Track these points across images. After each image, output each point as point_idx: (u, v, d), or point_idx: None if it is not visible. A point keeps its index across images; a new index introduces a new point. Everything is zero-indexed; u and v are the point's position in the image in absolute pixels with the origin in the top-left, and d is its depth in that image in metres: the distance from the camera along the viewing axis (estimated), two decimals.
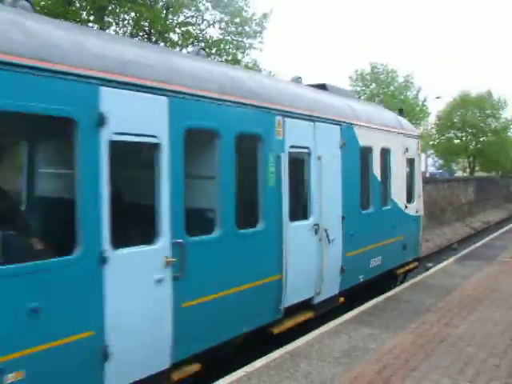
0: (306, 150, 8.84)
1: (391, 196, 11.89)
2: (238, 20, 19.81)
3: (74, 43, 5.31)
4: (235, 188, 7.16)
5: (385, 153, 11.61)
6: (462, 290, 11.78)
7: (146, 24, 17.98)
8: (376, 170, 11.18)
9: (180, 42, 19.31)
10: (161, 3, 18.35)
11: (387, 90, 42.98)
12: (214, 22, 19.86)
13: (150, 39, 18.82)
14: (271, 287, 7.96)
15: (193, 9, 19.06)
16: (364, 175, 10.71)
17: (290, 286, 8.25)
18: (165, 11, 18.40)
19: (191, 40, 19.46)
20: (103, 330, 5.26)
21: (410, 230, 12.98)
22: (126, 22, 18.60)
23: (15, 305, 4.46)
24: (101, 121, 5.17)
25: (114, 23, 18.38)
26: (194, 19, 19.64)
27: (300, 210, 8.82)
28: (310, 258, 8.86)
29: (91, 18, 17.30)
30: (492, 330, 8.99)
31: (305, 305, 8.93)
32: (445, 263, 15.36)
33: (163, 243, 6.00)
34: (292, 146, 8.34)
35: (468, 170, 62.44)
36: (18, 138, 7.49)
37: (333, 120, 9.55)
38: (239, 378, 6.92)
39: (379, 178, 11.30)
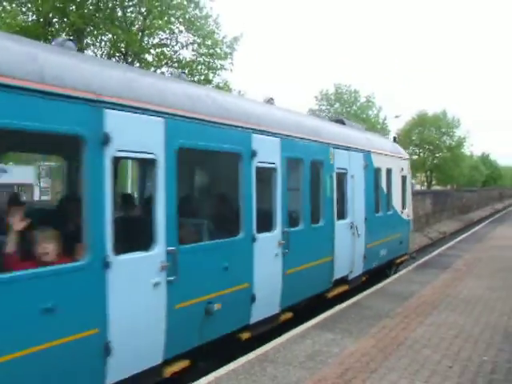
0: (344, 171, 11.62)
1: (392, 204, 14.76)
2: (209, 42, 19.91)
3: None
4: (309, 197, 9.85)
5: (388, 172, 14.43)
6: (419, 296, 11.91)
7: (123, 45, 17.93)
8: (383, 184, 14.02)
9: (155, 63, 19.36)
10: (136, 26, 18.36)
11: (350, 110, 43.52)
12: (187, 44, 19.91)
13: (126, 60, 18.74)
14: (327, 265, 10.75)
15: (167, 31, 19.08)
16: (376, 188, 13.49)
17: (337, 265, 11.11)
18: (140, 33, 18.40)
19: (165, 61, 19.51)
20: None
21: (404, 230, 15.96)
22: (103, 43, 18.60)
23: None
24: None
25: (91, 44, 18.37)
26: (168, 41, 19.71)
27: (341, 212, 11.51)
28: (347, 247, 11.65)
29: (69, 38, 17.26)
30: (446, 333, 9.10)
31: (343, 280, 11.69)
32: (404, 271, 15.52)
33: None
34: (338, 168, 11.19)
35: (425, 183, 63.41)
36: None
37: (359, 149, 12.43)
38: (209, 383, 6.89)
39: (385, 191, 14.16)
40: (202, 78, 19.85)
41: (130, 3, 17.34)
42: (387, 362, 7.64)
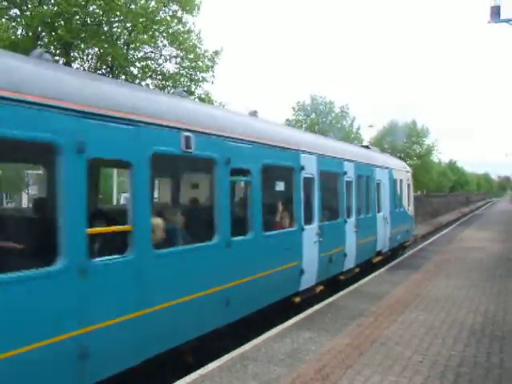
0: (380, 181, 16.65)
1: (403, 203, 19.89)
2: (192, 56, 19.93)
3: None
4: (375, 197, 15.93)
5: (401, 181, 19.54)
6: (391, 296, 12.03)
7: (109, 58, 17.89)
8: (398, 190, 19.14)
9: (139, 76, 19.34)
10: (122, 40, 18.32)
11: (325, 120, 43.78)
12: (171, 58, 19.91)
13: (112, 72, 18.73)
14: (373, 242, 15.83)
15: (151, 45, 19.09)
16: (395, 193, 18.72)
17: (378, 243, 16.36)
18: (126, 47, 18.36)
19: (149, 73, 19.49)
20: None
21: (409, 222, 21.32)
22: (90, 56, 18.53)
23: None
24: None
25: (79, 58, 18.27)
26: (153, 54, 19.71)
27: (379, 208, 16.59)
28: (383, 230, 16.70)
29: (57, 51, 17.15)
30: (417, 330, 9.22)
31: (379, 252, 16.65)
32: (377, 272, 15.68)
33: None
34: (377, 179, 16.41)
35: None
36: None
37: (385, 167, 17.50)
38: (194, 380, 6.89)
39: (399, 194, 19.23)
40: (185, 89, 19.90)
41: (116, 19, 17.31)
42: (362, 358, 7.73)
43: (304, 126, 41.67)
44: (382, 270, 16.16)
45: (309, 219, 10.90)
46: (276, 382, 6.83)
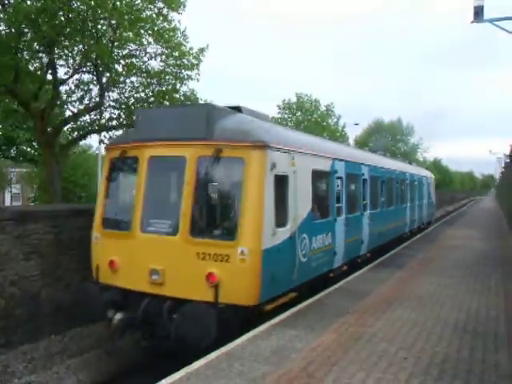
0: (424, 183, 29.49)
1: (430, 196, 32.36)
2: (177, 53, 19.85)
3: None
4: (410, 195, 24.84)
5: (429, 184, 32.08)
6: (376, 294, 12.15)
7: (94, 56, 17.76)
8: (426, 188, 30.38)
9: (124, 73, 19.24)
10: (107, 37, 18.16)
11: (311, 118, 43.87)
12: (156, 55, 19.77)
13: (97, 70, 18.65)
14: (404, 225, 23.66)
15: (137, 43, 18.97)
16: (426, 190, 30.33)
17: (407, 225, 24.39)
18: (111, 45, 18.22)
19: (134, 71, 19.38)
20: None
21: (433, 207, 34.35)
22: (74, 53, 18.37)
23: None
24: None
25: (63, 55, 18.14)
26: (138, 52, 19.55)
27: (420, 197, 28.03)
28: (408, 217, 24.26)
29: (41, 48, 17.02)
30: (401, 327, 9.34)
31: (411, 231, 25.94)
32: (361, 271, 15.79)
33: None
34: (411, 181, 24.93)
35: None
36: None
37: (422, 175, 29.15)
38: (180, 378, 6.93)
39: (430, 191, 32.05)
40: (170, 87, 19.83)
41: (101, 16, 17.16)
42: (347, 355, 7.81)
43: (289, 124, 41.74)
44: (366, 268, 16.28)
45: (339, 212, 13.90)
46: (261, 380, 6.87)
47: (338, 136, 42.17)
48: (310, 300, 11.55)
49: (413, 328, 9.32)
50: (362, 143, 58.68)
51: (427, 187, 31.16)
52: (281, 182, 9.83)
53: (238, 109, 11.03)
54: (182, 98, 20.15)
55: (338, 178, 13.76)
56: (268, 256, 9.10)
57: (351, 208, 14.90)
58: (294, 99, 45.37)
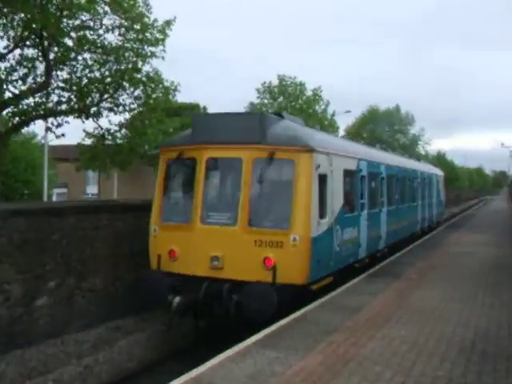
0: (433, 181, 35.03)
1: (440, 195, 37.75)
2: (138, 26, 19.60)
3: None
4: (420, 193, 29.60)
5: (438, 181, 37.36)
6: (369, 308, 12.23)
7: (38, 26, 17.40)
8: (436, 186, 35.73)
9: (75, 48, 18.91)
10: (54, 5, 17.83)
11: (295, 104, 43.87)
12: (113, 28, 19.51)
13: (42, 44, 18.30)
14: (416, 223, 28.29)
15: (91, 12, 18.63)
16: (435, 188, 35.67)
17: (419, 223, 29.33)
18: (59, 13, 17.88)
19: (87, 46, 19.08)
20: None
21: (442, 206, 39.92)
22: (15, 23, 18.07)
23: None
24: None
25: (1, 25, 17.84)
26: (92, 23, 19.22)
27: (431, 196, 33.49)
28: (419, 215, 28.85)
29: None
30: (398, 347, 9.38)
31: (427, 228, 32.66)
32: (353, 281, 15.86)
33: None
34: (421, 178, 30.08)
35: None
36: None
37: (433, 173, 35.75)
38: None
39: (439, 189, 37.73)
40: (130, 66, 19.59)
41: None
42: (336, 380, 7.79)
43: (270, 110, 41.70)
44: (359, 278, 16.37)
45: (362, 207, 17.30)
46: None
47: (326, 125, 42.23)
48: (293, 316, 11.56)
49: (412, 348, 9.35)
50: (354, 134, 58.99)
51: (436, 185, 36.61)
52: (322, 180, 13.47)
53: (280, 115, 14.84)
54: (145, 78, 19.98)
55: (362, 176, 17.62)
56: (314, 243, 12.60)
57: (372, 204, 18.68)
58: (275, 82, 45.39)
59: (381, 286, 14.96)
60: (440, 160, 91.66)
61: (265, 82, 45.27)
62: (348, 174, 15.97)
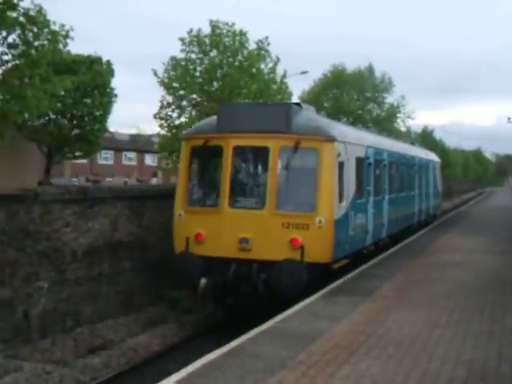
0: (430, 169, 43.70)
1: (437, 184, 46.23)
2: None
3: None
4: (417, 182, 37.46)
5: (435, 169, 45.92)
6: (329, 337, 12.21)
7: None
8: (432, 175, 44.19)
9: None
10: None
11: (233, 60, 43.52)
12: None
13: None
14: (413, 214, 35.46)
15: None
16: (432, 177, 44.00)
17: (416, 215, 36.74)
18: None
19: None
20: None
21: (439, 197, 48.32)
22: None
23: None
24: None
25: None
26: None
27: (415, 187, 36.34)
28: (416, 206, 36.41)
29: None
30: None
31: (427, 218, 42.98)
32: (308, 300, 15.92)
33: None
34: (419, 165, 38.38)
35: None
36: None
37: (431, 160, 45.21)
38: None
39: (436, 178, 46.28)
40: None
41: None
42: None
43: (199, 68, 41.37)
44: (316, 296, 16.48)
45: (369, 195, 23.10)
46: None
47: (275, 90, 42.16)
48: (226, 348, 11.45)
49: None
50: (312, 102, 58.96)
51: (433, 173, 44.74)
52: (340, 168, 19.15)
53: (298, 104, 21.05)
54: (22, 18, 19.54)
55: (369, 163, 23.44)
56: (336, 225, 18.26)
57: (376, 192, 24.61)
58: (207, 30, 44.93)
59: (345, 307, 15.03)
60: (426, 139, 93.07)
61: (191, 30, 44.80)
62: (359, 161, 21.85)
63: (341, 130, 21.50)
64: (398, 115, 65.63)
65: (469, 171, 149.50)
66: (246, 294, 18.02)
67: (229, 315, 20.20)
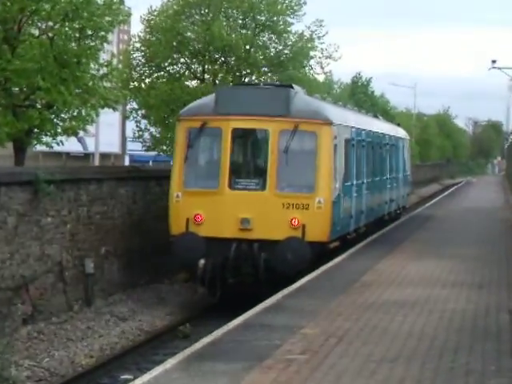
0: (400, 148, 65.89)
1: (406, 167, 68.69)
2: None
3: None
4: (388, 164, 57.63)
5: (404, 148, 68.75)
6: None
7: None
8: (402, 156, 66.47)
9: None
10: None
11: None
12: None
13: None
14: (384, 203, 53.70)
15: None
16: (402, 159, 66.51)
17: (387, 205, 55.80)
18: None
19: None
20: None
21: (409, 184, 72.83)
22: None
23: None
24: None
25: None
26: None
27: (386, 171, 56.01)
28: (387, 193, 54.76)
29: None
30: None
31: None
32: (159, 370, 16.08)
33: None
34: (390, 145, 58.14)
35: None
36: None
37: (401, 138, 67.48)
38: None
39: (405, 159, 68.65)
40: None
41: None
42: None
43: None
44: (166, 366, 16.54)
45: (352, 177, 38.32)
46: None
47: (100, 6, 42.36)
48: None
49: None
50: (166, 29, 58.96)
51: (402, 154, 62.33)
52: (335, 150, 32.70)
53: (290, 86, 34.34)
54: None
55: (352, 145, 36.84)
56: (333, 206, 32.45)
57: (358, 176, 37.94)
58: None
59: (221, 380, 15.10)
60: (358, 95, 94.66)
61: None
62: (346, 143, 34.64)
63: (335, 112, 35.41)
64: (312, 53, 65.79)
65: (429, 148, 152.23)
66: (247, 274, 30.07)
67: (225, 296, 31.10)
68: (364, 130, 39.93)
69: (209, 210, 29.24)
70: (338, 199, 31.58)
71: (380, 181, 46.20)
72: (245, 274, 28.54)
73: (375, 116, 57.57)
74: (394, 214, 53.54)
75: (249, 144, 32.33)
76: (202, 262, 27.70)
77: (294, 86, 32.71)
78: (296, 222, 29.16)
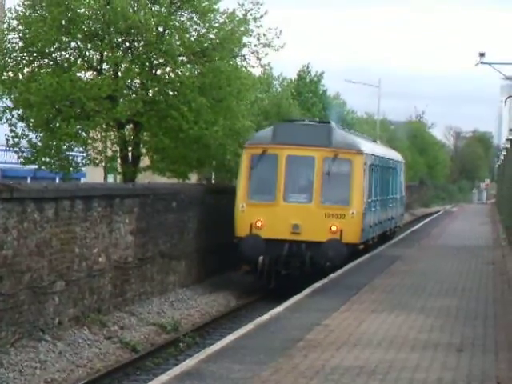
0: (398, 171, 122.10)
1: (402, 189, 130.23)
2: None
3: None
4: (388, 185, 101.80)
5: (401, 171, 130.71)
6: None
7: None
8: (398, 178, 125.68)
9: None
10: None
11: None
12: None
13: None
14: (390, 219, 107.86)
15: None
16: (398, 181, 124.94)
17: (395, 221, 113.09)
18: None
19: None
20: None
21: (403, 205, 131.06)
22: None
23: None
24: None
25: None
26: None
27: (393, 191, 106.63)
28: (397, 210, 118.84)
29: None
30: None
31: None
32: None
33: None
34: (393, 166, 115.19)
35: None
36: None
37: (398, 160, 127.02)
38: None
39: (401, 182, 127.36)
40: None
41: None
42: None
43: None
44: None
45: (370, 195, 72.14)
46: None
47: None
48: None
49: None
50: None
51: (399, 176, 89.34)
52: (364, 173, 66.80)
53: (328, 122, 74.58)
54: None
55: (372, 169, 67.83)
56: (363, 216, 67.02)
57: (375, 193, 69.61)
58: None
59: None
60: (303, 95, 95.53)
61: None
62: (370, 168, 61.95)
63: (364, 143, 58.92)
64: (246, 40, 65.58)
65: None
66: (296, 268, 53.56)
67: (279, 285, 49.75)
68: (378, 156, 60.28)
69: (267, 217, 52.03)
70: (365, 211, 53.52)
71: (386, 199, 68.95)
72: (294, 268, 51.22)
73: (374, 141, 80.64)
74: (393, 230, 77.73)
75: (299, 167, 55.66)
76: (261, 257, 48.89)
77: (331, 122, 54.61)
78: (335, 228, 52.04)
